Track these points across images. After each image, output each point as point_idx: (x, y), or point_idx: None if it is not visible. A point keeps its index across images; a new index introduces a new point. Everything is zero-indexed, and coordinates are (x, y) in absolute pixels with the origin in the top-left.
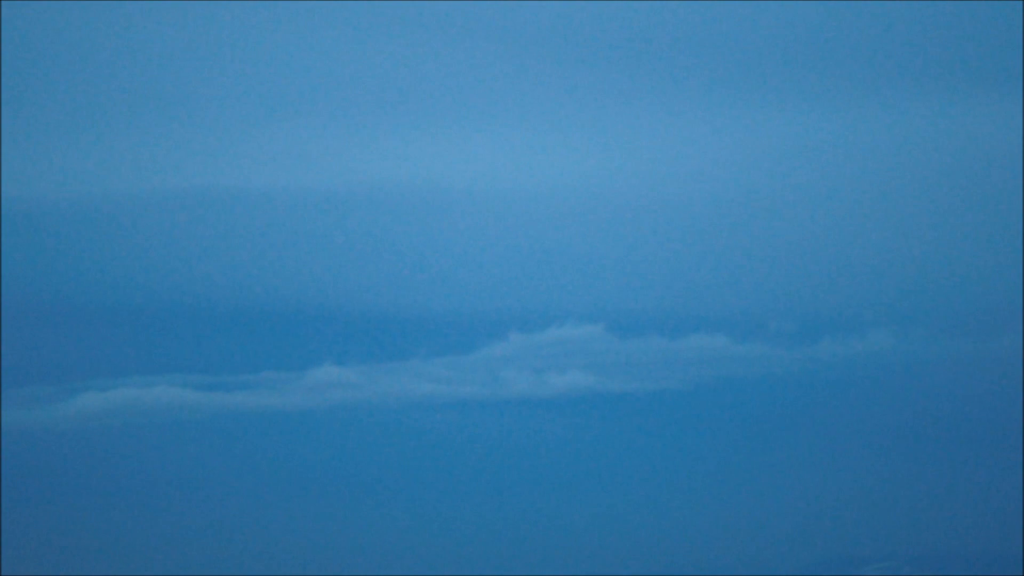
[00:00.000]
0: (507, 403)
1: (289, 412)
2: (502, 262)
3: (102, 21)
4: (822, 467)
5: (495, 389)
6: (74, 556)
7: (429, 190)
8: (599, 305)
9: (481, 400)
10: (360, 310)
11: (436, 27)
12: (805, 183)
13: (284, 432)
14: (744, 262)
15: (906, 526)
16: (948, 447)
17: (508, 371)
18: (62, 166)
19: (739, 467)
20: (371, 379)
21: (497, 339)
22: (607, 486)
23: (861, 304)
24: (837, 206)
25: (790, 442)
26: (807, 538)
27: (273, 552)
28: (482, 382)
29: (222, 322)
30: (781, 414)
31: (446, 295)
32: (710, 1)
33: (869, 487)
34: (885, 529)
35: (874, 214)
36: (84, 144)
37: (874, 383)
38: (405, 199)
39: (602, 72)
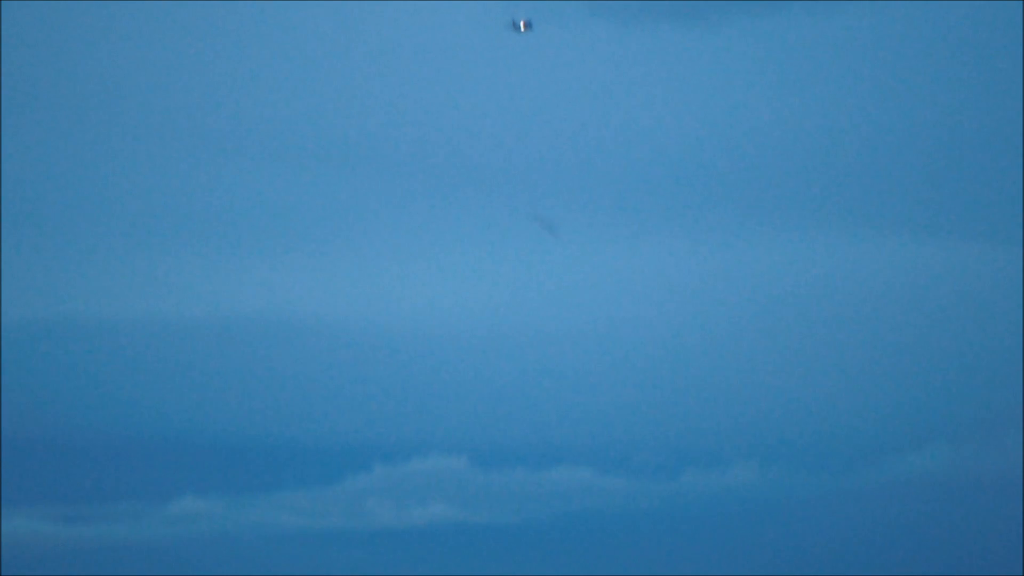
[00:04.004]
0: (370, 535)
1: (149, 543)
2: (365, 393)
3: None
4: None
5: (358, 521)
6: None
7: (291, 320)
8: (462, 437)
9: (344, 532)
10: (222, 440)
11: (304, 152)
12: (667, 316)
13: (144, 564)
14: (608, 394)
15: None
16: None
17: (371, 502)
18: None
19: None
20: (233, 510)
21: (360, 470)
22: None
23: (724, 438)
24: (699, 339)
25: (653, 574)
26: None
27: None
28: (345, 513)
29: (80, 451)
30: (645, 547)
31: (309, 426)
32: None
33: None
34: None
35: (737, 348)
36: None
37: (737, 517)
38: (267, 329)
39: (470, 204)
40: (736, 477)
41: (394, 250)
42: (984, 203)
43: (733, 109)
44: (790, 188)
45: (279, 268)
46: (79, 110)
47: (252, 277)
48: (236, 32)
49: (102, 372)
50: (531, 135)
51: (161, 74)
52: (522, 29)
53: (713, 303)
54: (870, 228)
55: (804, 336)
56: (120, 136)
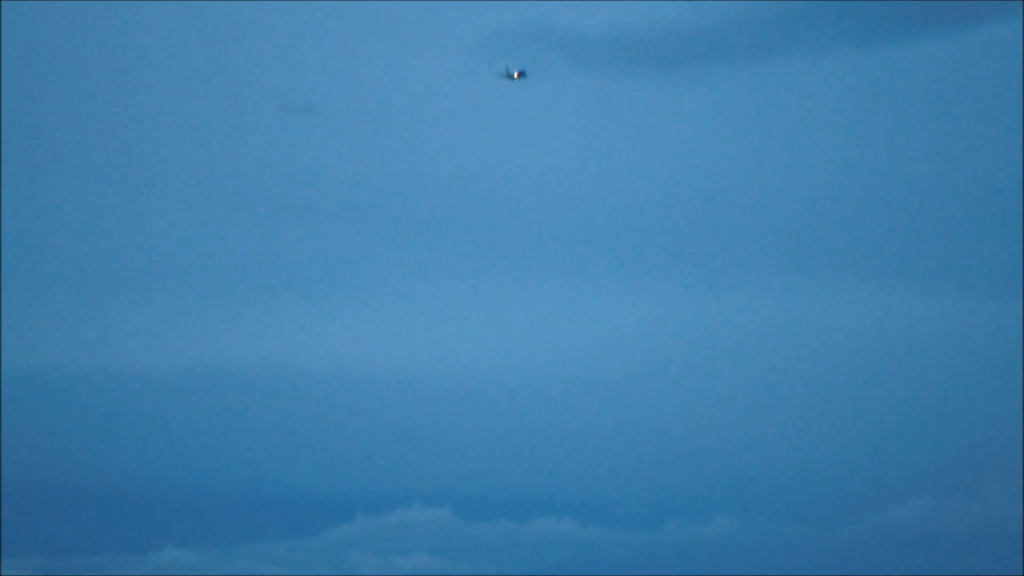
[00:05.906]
0: None
1: None
2: (349, 443)
3: None
4: None
5: (341, 572)
6: None
7: (275, 371)
8: (445, 488)
9: None
10: (204, 491)
11: (285, 205)
12: (649, 370)
13: None
14: (591, 446)
15: None
16: None
17: (354, 553)
18: None
19: None
20: (214, 562)
21: (343, 521)
22: None
23: (707, 489)
24: (683, 391)
25: None
26: None
27: None
28: (328, 565)
29: (61, 502)
30: None
31: (292, 476)
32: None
33: None
34: None
35: (719, 400)
36: None
37: (720, 566)
38: (250, 379)
39: (454, 258)
40: (718, 528)
41: (377, 304)
42: (973, 260)
43: (718, 159)
44: (776, 240)
45: (261, 321)
46: (74, 156)
47: (234, 330)
48: (232, 79)
49: (84, 424)
50: (518, 188)
51: (154, 132)
52: (515, 77)
53: (696, 357)
54: (854, 282)
55: (786, 388)
56: (115, 194)
